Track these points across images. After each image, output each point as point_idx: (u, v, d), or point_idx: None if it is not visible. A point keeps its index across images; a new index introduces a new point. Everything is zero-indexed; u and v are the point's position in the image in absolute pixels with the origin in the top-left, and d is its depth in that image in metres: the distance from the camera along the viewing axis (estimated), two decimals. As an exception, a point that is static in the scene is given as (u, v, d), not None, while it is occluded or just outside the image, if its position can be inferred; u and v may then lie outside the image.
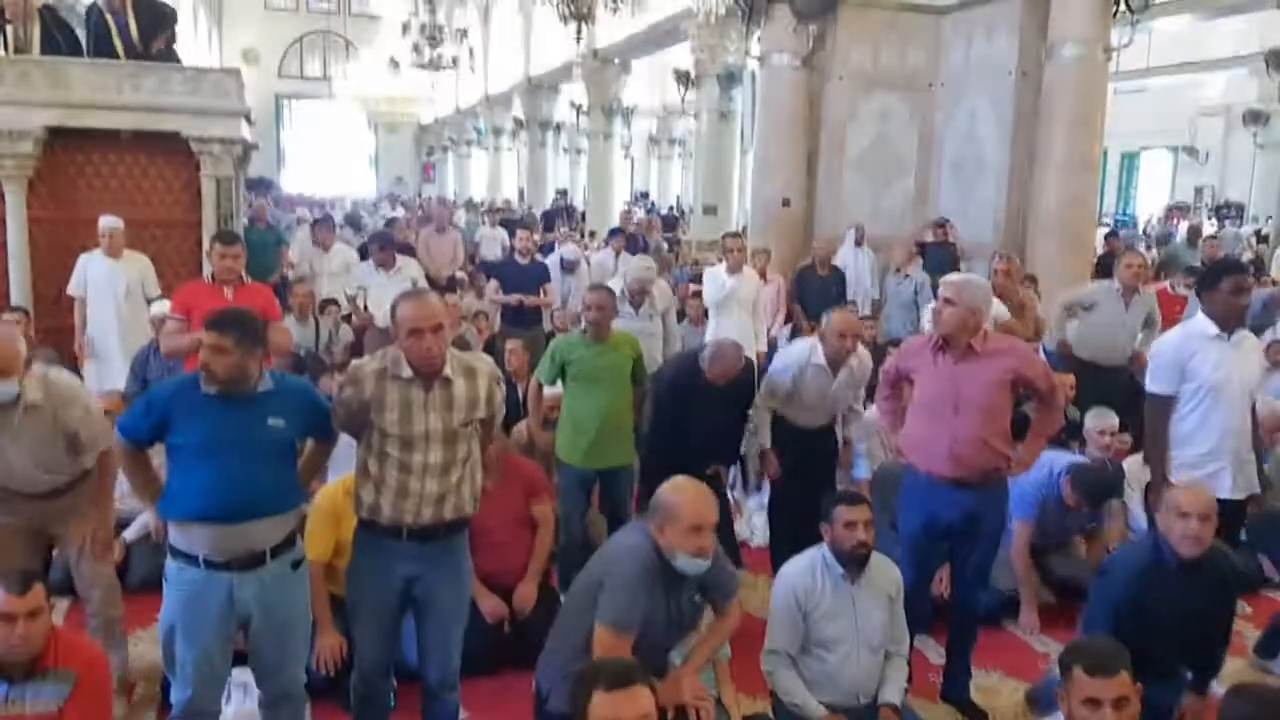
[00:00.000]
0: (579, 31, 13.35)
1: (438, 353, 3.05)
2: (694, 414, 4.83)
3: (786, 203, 10.61)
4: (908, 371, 4.02)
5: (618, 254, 9.99)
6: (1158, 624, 3.33)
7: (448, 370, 3.10)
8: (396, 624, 3.30)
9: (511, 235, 10.06)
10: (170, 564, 3.07)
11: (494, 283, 8.42)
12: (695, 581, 3.09)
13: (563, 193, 24.76)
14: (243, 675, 3.45)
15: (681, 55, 17.19)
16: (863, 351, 5.00)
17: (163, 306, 5.62)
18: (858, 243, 9.82)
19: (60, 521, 3.73)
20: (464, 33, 26.04)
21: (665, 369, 5.39)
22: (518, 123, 25.11)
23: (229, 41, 33.68)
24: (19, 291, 6.93)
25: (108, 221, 6.38)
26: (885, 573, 3.52)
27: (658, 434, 4.98)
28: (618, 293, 5.51)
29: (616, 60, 19.21)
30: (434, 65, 24.10)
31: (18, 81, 6.80)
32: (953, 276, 4.03)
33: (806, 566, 3.46)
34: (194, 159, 7.13)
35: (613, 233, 11.19)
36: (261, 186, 21.30)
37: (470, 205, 23.28)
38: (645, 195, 29.56)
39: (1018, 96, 9.45)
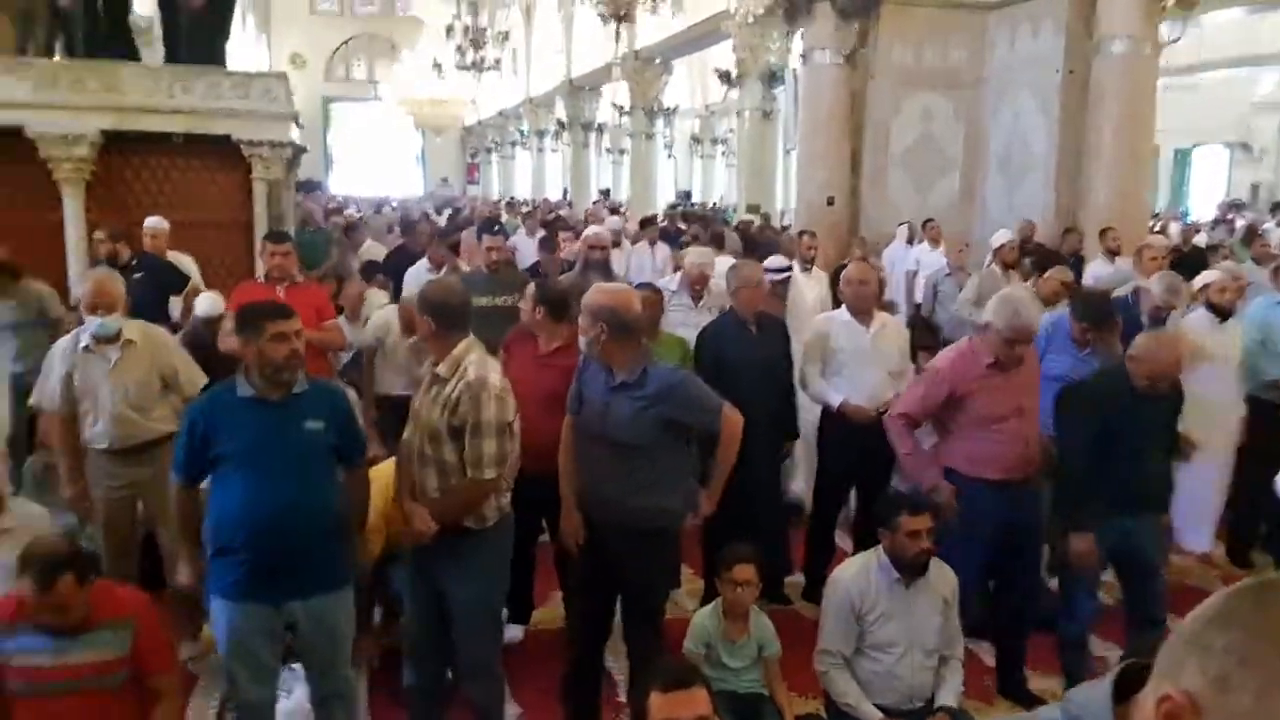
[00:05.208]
0: (618, 32, 13.33)
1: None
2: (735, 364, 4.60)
3: (831, 201, 10.54)
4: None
5: (653, 244, 9.88)
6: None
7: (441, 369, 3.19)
8: (436, 615, 3.31)
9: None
10: (216, 562, 3.05)
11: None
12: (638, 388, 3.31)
13: (605, 193, 24.79)
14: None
15: (723, 54, 17.13)
16: (890, 319, 5.08)
17: (210, 303, 5.30)
18: (909, 241, 9.69)
19: (151, 492, 3.93)
20: (506, 35, 26.17)
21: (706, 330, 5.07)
22: (560, 124, 25.19)
23: (276, 46, 34.13)
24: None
25: (152, 222, 6.43)
26: (941, 576, 3.48)
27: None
28: (673, 288, 5.51)
29: (658, 60, 19.19)
30: (477, 67, 24.26)
31: (72, 86, 6.93)
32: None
33: (861, 569, 3.43)
34: (245, 162, 7.24)
35: (643, 224, 11.00)
36: (309, 188, 21.51)
37: (512, 206, 23.28)
38: (688, 195, 29.48)
39: (1065, 93, 9.32)
